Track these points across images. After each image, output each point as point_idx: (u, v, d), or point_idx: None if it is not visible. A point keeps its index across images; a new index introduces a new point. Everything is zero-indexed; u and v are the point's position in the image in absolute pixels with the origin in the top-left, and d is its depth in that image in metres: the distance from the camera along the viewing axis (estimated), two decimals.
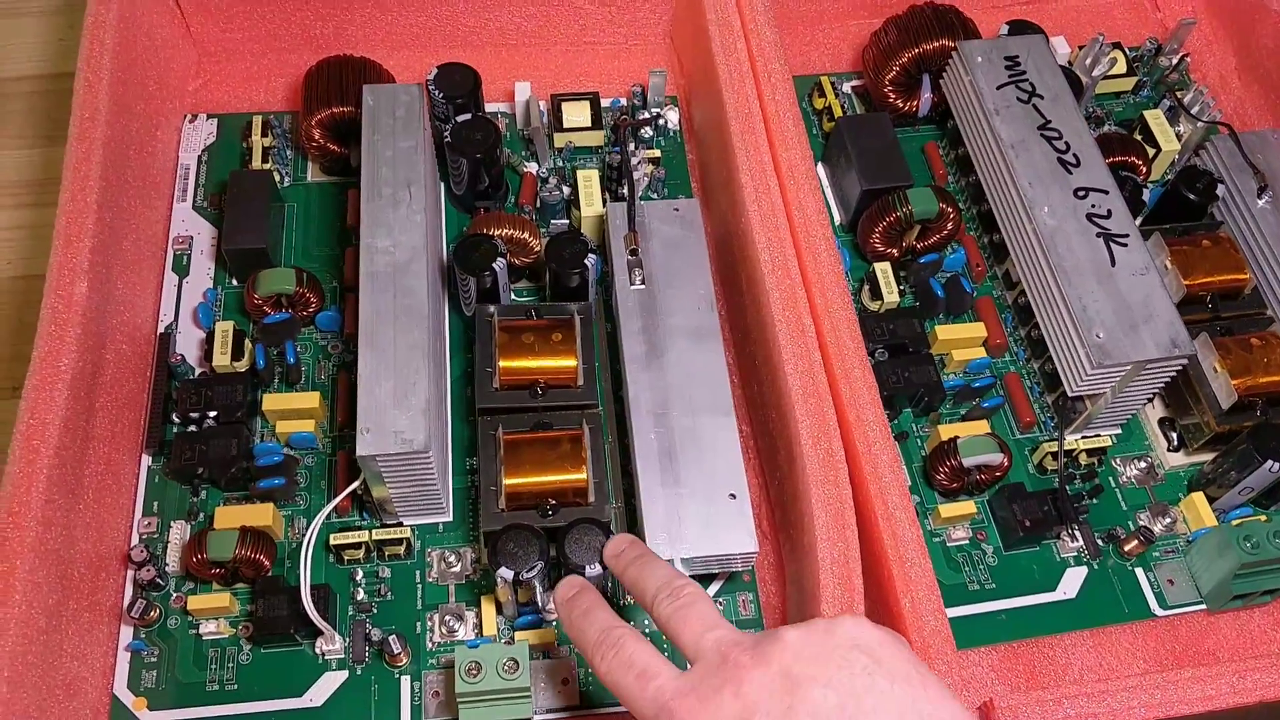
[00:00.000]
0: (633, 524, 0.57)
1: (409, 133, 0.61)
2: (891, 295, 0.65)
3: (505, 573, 0.50)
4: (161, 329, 0.63)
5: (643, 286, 0.60)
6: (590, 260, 0.61)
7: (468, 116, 0.65)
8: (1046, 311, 0.61)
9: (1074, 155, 0.63)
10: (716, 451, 0.55)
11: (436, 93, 0.66)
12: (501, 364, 0.57)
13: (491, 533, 0.52)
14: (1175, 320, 0.57)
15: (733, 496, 0.54)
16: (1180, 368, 0.58)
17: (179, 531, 0.57)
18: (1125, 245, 0.60)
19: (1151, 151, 0.71)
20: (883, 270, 0.65)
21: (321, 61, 0.69)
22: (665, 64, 0.77)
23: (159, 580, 0.55)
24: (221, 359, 0.60)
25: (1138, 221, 0.68)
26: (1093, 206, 0.61)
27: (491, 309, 0.59)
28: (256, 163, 0.69)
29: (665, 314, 0.60)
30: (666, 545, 0.53)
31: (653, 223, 0.63)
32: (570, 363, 0.57)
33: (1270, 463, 0.56)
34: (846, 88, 0.77)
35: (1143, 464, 0.62)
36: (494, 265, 0.60)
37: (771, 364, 0.57)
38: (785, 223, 0.59)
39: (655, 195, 0.70)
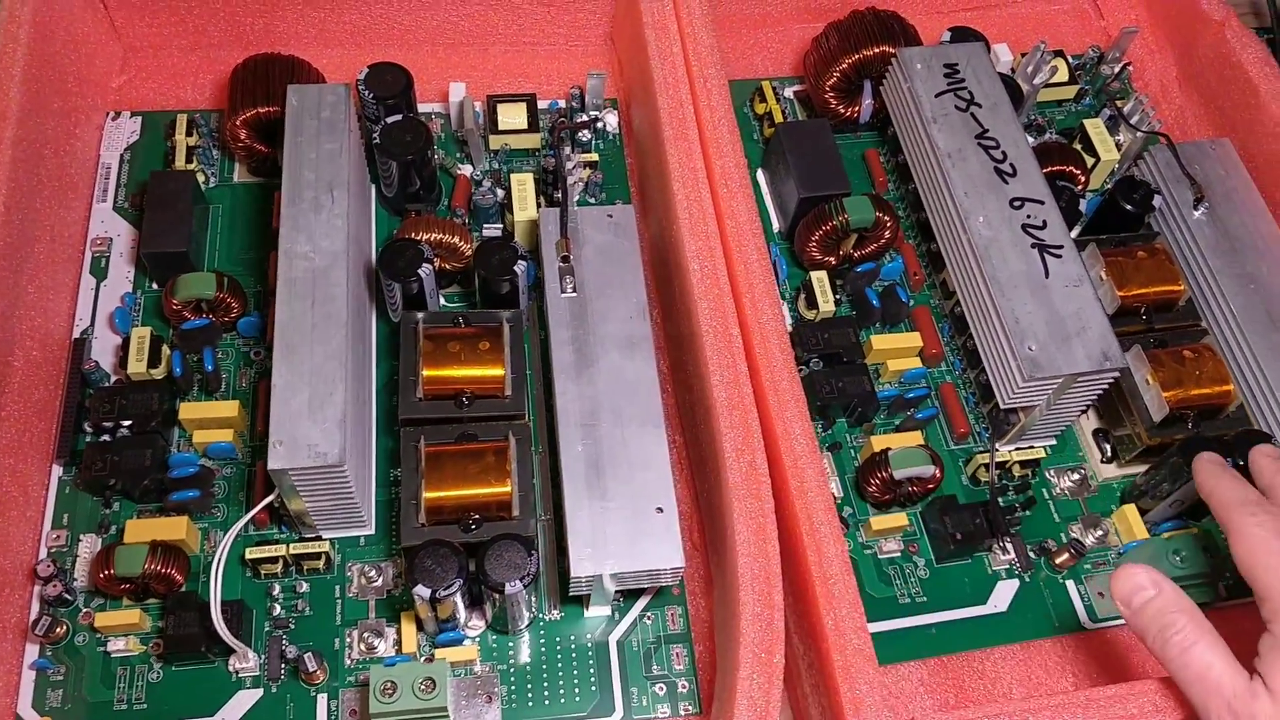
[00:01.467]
0: (559, 539, 0.56)
1: (333, 135, 0.59)
2: (827, 304, 0.64)
3: (422, 590, 0.49)
4: (77, 334, 0.61)
5: (574, 294, 0.59)
6: (520, 266, 0.60)
7: (398, 117, 0.64)
8: (980, 323, 0.60)
9: (1011, 165, 0.63)
10: (645, 464, 0.54)
11: (367, 93, 0.64)
12: (425, 373, 0.55)
13: (411, 548, 0.51)
14: (1107, 333, 0.57)
15: (660, 510, 0.53)
16: (1112, 380, 0.58)
17: (89, 545, 0.55)
18: (1059, 257, 0.59)
19: (1090, 161, 0.71)
20: (819, 279, 0.65)
21: (248, 59, 0.67)
22: (606, 66, 0.76)
23: (67, 596, 0.53)
24: (137, 366, 0.58)
25: (1075, 231, 0.67)
26: (1028, 217, 0.61)
27: (417, 316, 0.57)
28: (180, 162, 0.67)
29: (596, 322, 0.58)
30: (591, 561, 0.52)
31: (586, 229, 0.62)
32: (497, 372, 0.56)
33: None
34: (789, 92, 0.76)
35: (1076, 475, 0.62)
36: (419, 271, 0.58)
37: (700, 374, 0.56)
38: (716, 231, 0.58)
39: (592, 200, 0.69)
